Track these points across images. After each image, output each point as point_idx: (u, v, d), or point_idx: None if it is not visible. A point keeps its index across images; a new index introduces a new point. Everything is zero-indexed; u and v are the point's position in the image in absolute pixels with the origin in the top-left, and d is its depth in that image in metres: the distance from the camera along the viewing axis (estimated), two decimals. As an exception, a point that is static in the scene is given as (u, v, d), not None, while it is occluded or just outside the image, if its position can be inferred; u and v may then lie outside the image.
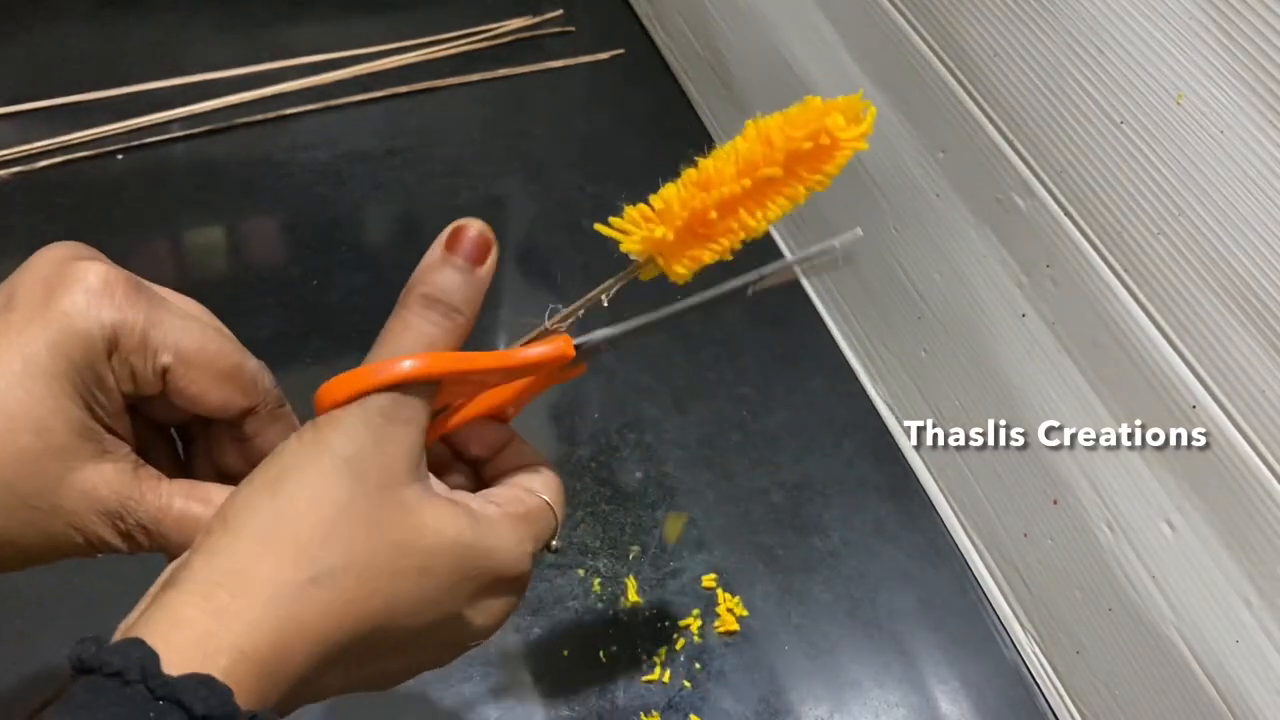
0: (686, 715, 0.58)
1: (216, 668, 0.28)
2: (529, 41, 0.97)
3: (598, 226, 0.37)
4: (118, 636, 0.29)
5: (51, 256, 0.34)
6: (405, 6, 0.97)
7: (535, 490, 0.39)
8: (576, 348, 0.38)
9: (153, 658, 0.27)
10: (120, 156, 0.82)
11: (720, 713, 0.58)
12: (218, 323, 0.37)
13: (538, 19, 0.98)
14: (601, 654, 0.59)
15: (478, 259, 0.36)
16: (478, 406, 0.40)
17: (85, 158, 0.81)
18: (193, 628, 0.29)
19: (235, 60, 0.88)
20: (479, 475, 0.40)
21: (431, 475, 0.36)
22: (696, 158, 0.38)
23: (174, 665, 0.27)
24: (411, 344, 0.35)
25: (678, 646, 0.60)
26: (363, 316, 0.73)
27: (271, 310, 0.73)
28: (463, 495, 0.36)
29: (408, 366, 0.34)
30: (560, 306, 0.38)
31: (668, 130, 0.91)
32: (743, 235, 0.37)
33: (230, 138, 0.84)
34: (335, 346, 0.71)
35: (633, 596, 0.62)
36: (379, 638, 0.33)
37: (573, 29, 0.98)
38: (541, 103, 0.92)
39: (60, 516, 0.33)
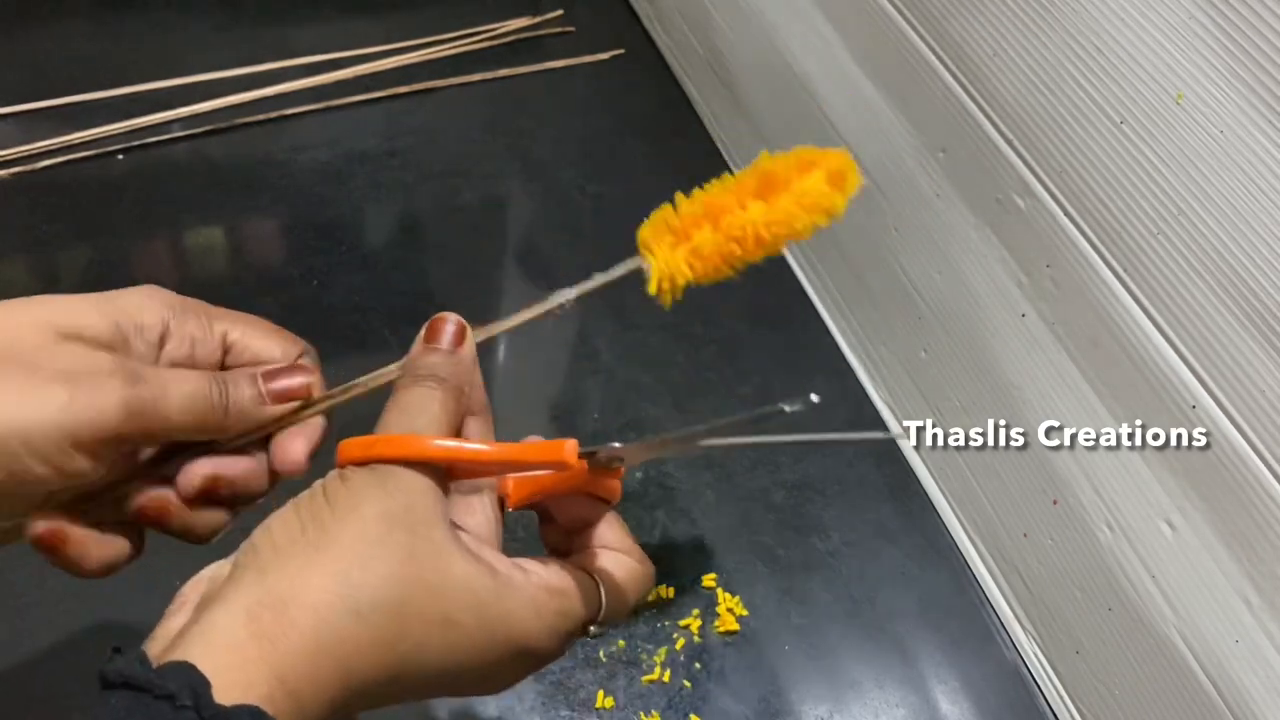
0: (686, 715, 0.58)
1: (258, 695, 0.29)
2: (529, 41, 0.97)
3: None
4: (159, 649, 0.30)
5: None
6: (405, 6, 0.97)
7: (591, 568, 0.38)
8: (583, 455, 0.37)
9: (204, 684, 0.28)
10: (121, 156, 0.82)
11: (720, 713, 0.58)
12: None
13: (538, 19, 0.98)
14: (601, 654, 0.59)
15: (456, 344, 0.40)
16: (551, 489, 0.41)
17: (86, 158, 0.81)
18: (238, 653, 0.29)
19: (235, 60, 0.88)
20: (568, 551, 0.41)
21: (462, 531, 0.37)
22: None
23: (220, 690, 0.28)
24: (413, 411, 0.37)
25: (678, 646, 0.60)
26: (362, 316, 0.73)
27: (271, 310, 0.72)
28: (491, 554, 0.37)
29: (409, 447, 0.36)
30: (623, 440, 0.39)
31: (668, 130, 0.91)
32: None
33: (230, 138, 0.84)
34: (335, 346, 0.71)
35: (633, 596, 0.62)
36: (403, 678, 0.33)
37: (573, 29, 0.98)
38: (541, 103, 0.92)
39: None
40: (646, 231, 0.40)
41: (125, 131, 0.83)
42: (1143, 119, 0.48)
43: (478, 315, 0.40)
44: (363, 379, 0.41)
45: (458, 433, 0.38)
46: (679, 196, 0.39)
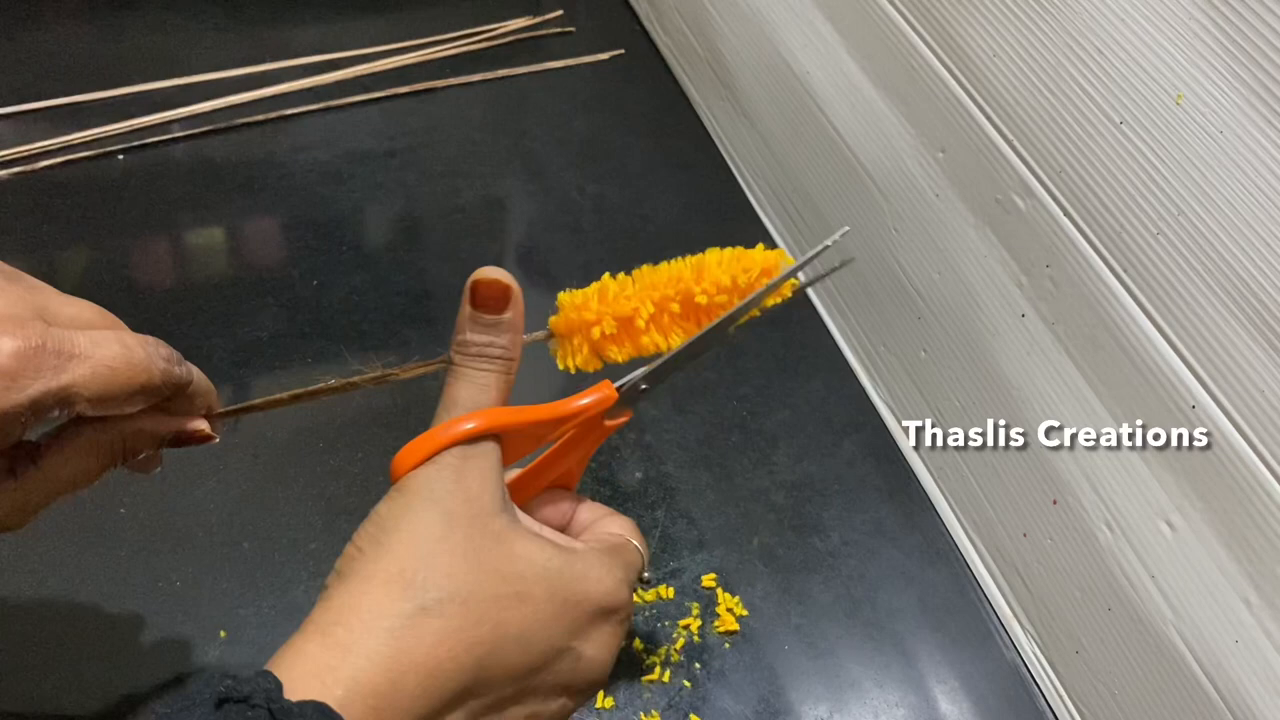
0: (686, 715, 0.58)
1: (333, 697, 0.31)
2: (529, 41, 0.97)
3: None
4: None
5: None
6: (405, 6, 0.98)
7: (614, 531, 0.42)
8: (618, 389, 0.40)
9: (276, 686, 0.30)
10: (121, 157, 0.82)
11: (720, 713, 0.58)
12: (120, 329, 0.38)
13: (538, 19, 0.98)
14: (601, 654, 0.59)
15: (499, 308, 0.39)
16: (544, 479, 0.43)
17: (86, 158, 0.81)
18: (312, 661, 0.32)
19: (235, 60, 0.88)
20: None
21: (518, 509, 0.38)
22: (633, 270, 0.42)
23: (295, 693, 0.30)
24: (470, 393, 0.38)
25: (678, 646, 0.60)
26: (363, 316, 0.73)
27: (271, 310, 0.73)
28: (549, 531, 0.39)
29: (469, 427, 0.37)
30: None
31: (668, 130, 0.91)
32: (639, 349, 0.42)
33: (230, 138, 0.84)
34: (335, 346, 0.71)
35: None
36: (491, 671, 0.35)
37: (573, 29, 0.98)
38: (541, 103, 0.92)
39: None
40: (559, 320, 0.41)
41: (125, 131, 0.83)
42: (1143, 119, 0.48)
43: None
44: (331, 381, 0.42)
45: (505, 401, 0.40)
46: (606, 280, 0.41)
